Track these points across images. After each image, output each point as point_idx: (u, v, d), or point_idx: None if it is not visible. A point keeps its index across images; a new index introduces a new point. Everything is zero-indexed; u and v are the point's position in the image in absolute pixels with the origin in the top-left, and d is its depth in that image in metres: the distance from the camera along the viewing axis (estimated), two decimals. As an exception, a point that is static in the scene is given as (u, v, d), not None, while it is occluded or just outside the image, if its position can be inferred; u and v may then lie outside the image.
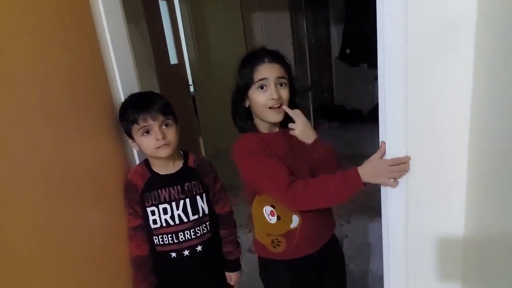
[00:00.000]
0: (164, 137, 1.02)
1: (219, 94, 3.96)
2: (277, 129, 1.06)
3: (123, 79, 1.17)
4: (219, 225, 1.20)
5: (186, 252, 1.11)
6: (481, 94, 0.76)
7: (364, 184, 0.91)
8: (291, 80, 1.03)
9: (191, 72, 3.74)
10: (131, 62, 1.23)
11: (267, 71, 0.98)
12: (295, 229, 1.04)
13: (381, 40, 0.81)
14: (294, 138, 1.01)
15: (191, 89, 3.68)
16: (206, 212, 1.14)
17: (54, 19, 0.94)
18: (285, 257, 1.08)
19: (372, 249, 2.05)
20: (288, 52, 3.85)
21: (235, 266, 1.24)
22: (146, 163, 1.12)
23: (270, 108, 0.98)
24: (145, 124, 1.02)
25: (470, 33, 0.75)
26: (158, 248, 1.12)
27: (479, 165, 0.82)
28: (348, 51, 4.56)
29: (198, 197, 1.12)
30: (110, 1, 1.13)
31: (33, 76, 0.84)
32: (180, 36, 3.54)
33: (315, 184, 0.93)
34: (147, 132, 1.03)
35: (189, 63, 3.74)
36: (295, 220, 1.03)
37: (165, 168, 1.11)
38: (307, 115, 1.03)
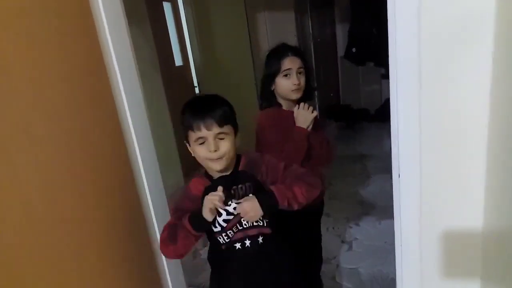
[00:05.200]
0: (216, 150, 0.95)
1: (224, 94, 3.97)
2: (293, 107, 1.34)
3: (125, 82, 1.15)
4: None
5: (247, 243, 1.03)
6: (500, 92, 0.72)
7: None
8: (307, 70, 1.36)
9: (196, 74, 3.73)
10: (133, 65, 1.21)
11: (291, 63, 1.31)
12: None
13: (392, 38, 0.78)
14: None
15: (196, 90, 3.66)
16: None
17: (54, 24, 0.92)
18: None
19: (382, 251, 2.01)
20: (294, 52, 3.81)
21: (268, 200, 0.99)
22: (204, 173, 1.07)
23: (292, 91, 1.31)
24: (199, 133, 0.95)
25: (488, 30, 0.71)
26: (223, 247, 1.04)
27: (498, 161, 0.78)
28: (354, 50, 4.51)
29: None
30: (111, 5, 1.12)
31: (33, 78, 0.82)
32: (185, 37, 3.53)
33: None
34: (202, 142, 0.96)
35: (194, 65, 3.73)
36: None
37: (220, 173, 1.03)
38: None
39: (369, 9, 4.11)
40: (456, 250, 0.96)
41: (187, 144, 1.01)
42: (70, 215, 0.90)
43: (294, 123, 1.33)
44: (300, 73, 1.32)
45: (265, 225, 1.05)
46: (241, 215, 0.97)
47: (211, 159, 0.96)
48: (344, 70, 4.98)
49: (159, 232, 1.30)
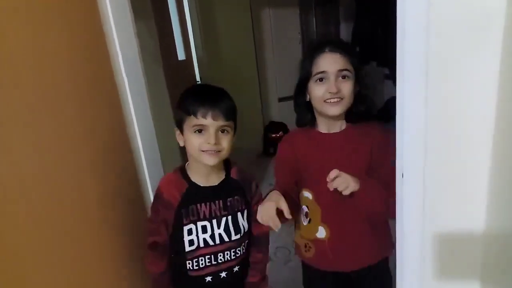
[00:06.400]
0: (216, 143, 0.87)
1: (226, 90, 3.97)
2: (337, 129, 0.96)
3: (129, 76, 1.14)
4: (254, 246, 1.04)
5: (223, 274, 0.98)
6: (507, 93, 0.72)
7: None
8: (357, 73, 0.92)
9: (198, 69, 3.72)
10: (138, 58, 1.20)
11: (327, 63, 0.89)
12: (323, 240, 0.99)
13: (401, 36, 0.77)
14: (355, 141, 0.95)
15: (199, 85, 3.65)
16: (246, 230, 1.00)
17: (59, 15, 0.91)
18: (318, 266, 1.04)
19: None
20: (297, 50, 3.79)
21: None
22: (182, 171, 0.97)
23: (326, 101, 0.90)
24: (203, 120, 0.86)
25: (498, 31, 0.70)
26: (191, 273, 0.97)
27: (503, 163, 0.78)
28: (357, 49, 4.49)
29: (239, 214, 0.98)
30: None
31: (36, 71, 0.81)
32: (188, 32, 3.52)
33: None
34: (200, 131, 0.88)
35: (197, 59, 3.72)
36: (321, 231, 0.99)
37: (206, 178, 0.96)
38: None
39: (374, 8, 4.09)
40: (457, 251, 0.96)
41: (178, 130, 0.93)
42: (71, 212, 0.89)
43: (341, 147, 0.94)
44: (344, 77, 0.90)
45: (245, 248, 1.01)
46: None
47: (208, 152, 0.88)
48: (347, 69, 4.96)
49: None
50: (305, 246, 1.03)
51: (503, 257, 0.82)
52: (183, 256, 0.96)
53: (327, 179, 0.85)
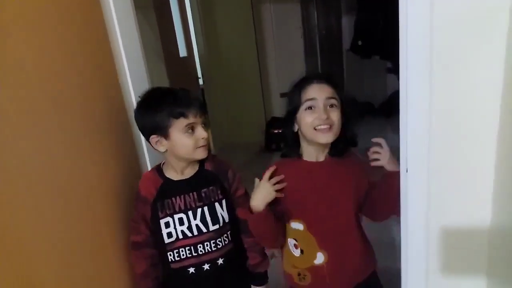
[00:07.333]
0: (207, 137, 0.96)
1: (228, 86, 3.98)
2: (322, 158, 1.00)
3: (132, 73, 1.15)
4: (243, 232, 1.05)
5: (206, 266, 0.99)
6: (513, 86, 0.71)
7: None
8: (343, 104, 0.97)
9: (200, 65, 3.71)
10: (141, 55, 1.20)
11: (316, 91, 0.94)
12: (321, 266, 1.00)
13: (403, 27, 0.76)
14: (340, 170, 1.00)
15: (200, 82, 3.65)
16: (227, 220, 1.02)
17: (62, 12, 0.91)
18: None
19: (386, 246, 2.00)
20: (298, 44, 3.78)
21: (263, 279, 1.10)
22: (158, 169, 1.02)
23: (316, 129, 0.93)
24: (194, 119, 0.92)
25: (503, 23, 0.69)
26: (173, 266, 1.00)
27: (508, 156, 0.77)
28: (360, 42, 4.46)
29: (216, 204, 1.00)
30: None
31: (39, 69, 0.81)
32: (190, 28, 3.51)
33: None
34: (192, 129, 0.93)
35: (198, 56, 3.71)
36: (320, 257, 1.00)
37: (180, 173, 1.00)
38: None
39: (376, 1, 4.05)
40: (462, 246, 0.96)
41: (157, 138, 0.94)
42: (77, 207, 0.90)
43: (329, 176, 0.98)
44: (332, 106, 0.94)
45: (229, 240, 1.02)
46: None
47: (202, 146, 0.95)
48: (349, 63, 4.93)
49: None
50: (299, 275, 1.02)
51: (509, 252, 0.81)
52: (163, 248, 0.99)
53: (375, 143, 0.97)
